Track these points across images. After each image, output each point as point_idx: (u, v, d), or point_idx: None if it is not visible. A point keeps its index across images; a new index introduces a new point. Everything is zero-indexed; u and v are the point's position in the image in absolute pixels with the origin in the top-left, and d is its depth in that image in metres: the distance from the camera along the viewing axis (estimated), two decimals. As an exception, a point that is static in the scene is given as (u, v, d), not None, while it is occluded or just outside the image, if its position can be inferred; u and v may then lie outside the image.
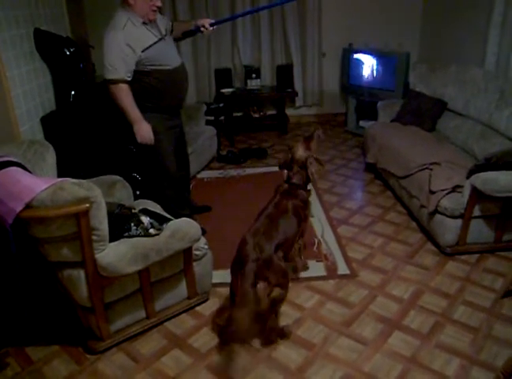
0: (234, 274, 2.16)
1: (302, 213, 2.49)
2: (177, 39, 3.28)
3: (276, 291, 2.12)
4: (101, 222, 2.04)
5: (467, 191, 2.88)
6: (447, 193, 2.97)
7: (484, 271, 2.89)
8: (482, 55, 4.18)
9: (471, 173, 2.92)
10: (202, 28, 3.03)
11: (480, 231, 2.98)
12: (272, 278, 2.09)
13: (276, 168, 4.52)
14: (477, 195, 2.82)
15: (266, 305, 2.07)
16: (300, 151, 2.56)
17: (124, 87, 2.77)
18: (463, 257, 3.01)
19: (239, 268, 2.10)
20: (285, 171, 2.64)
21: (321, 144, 5.28)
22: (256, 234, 2.20)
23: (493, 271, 2.88)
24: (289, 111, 6.05)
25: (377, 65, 5.24)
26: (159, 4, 2.79)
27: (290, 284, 2.28)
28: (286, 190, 2.51)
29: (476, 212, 2.90)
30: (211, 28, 3.04)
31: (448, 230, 2.96)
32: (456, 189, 2.98)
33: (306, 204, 2.55)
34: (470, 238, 2.98)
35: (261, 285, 2.04)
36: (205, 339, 2.39)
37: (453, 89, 4.11)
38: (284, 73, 5.68)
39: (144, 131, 2.89)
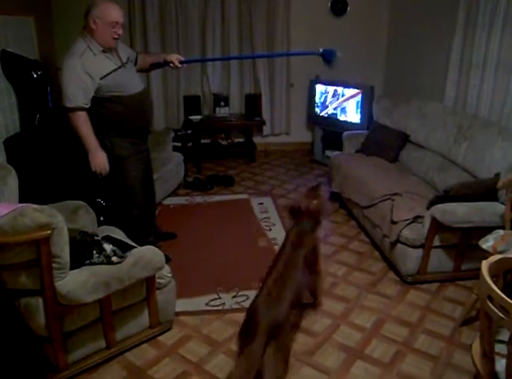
0: (241, 343, 1.96)
1: (313, 263, 2.57)
2: (144, 71, 3.32)
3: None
4: (62, 249, 2.00)
5: (427, 222, 2.96)
6: (408, 224, 3.05)
7: (444, 299, 2.95)
8: (442, 92, 4.36)
9: (431, 204, 3.02)
10: (171, 64, 3.10)
11: (439, 261, 3.06)
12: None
13: (243, 195, 4.63)
14: (437, 225, 2.91)
15: None
16: (308, 203, 2.58)
17: (82, 114, 2.75)
18: (423, 286, 3.08)
19: (246, 339, 1.92)
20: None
21: (288, 174, 5.38)
22: (268, 298, 2.02)
23: (452, 299, 2.95)
24: (257, 139, 6.13)
25: (342, 96, 5.39)
26: (120, 32, 2.78)
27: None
28: (295, 240, 2.42)
29: (436, 241, 2.98)
30: (179, 65, 3.11)
31: (409, 259, 3.03)
32: (417, 219, 3.06)
33: (315, 252, 2.59)
34: (430, 267, 3.05)
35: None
36: (166, 370, 2.34)
37: (415, 122, 4.25)
38: (253, 101, 5.79)
39: (99, 159, 2.86)
